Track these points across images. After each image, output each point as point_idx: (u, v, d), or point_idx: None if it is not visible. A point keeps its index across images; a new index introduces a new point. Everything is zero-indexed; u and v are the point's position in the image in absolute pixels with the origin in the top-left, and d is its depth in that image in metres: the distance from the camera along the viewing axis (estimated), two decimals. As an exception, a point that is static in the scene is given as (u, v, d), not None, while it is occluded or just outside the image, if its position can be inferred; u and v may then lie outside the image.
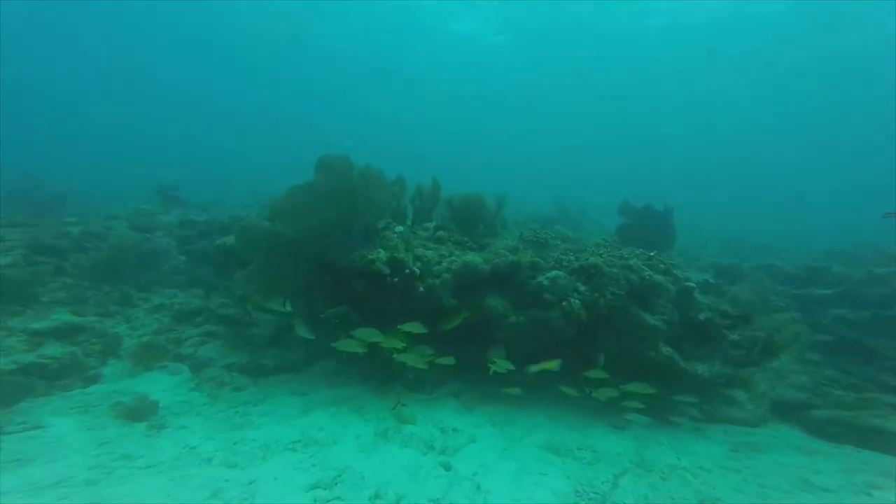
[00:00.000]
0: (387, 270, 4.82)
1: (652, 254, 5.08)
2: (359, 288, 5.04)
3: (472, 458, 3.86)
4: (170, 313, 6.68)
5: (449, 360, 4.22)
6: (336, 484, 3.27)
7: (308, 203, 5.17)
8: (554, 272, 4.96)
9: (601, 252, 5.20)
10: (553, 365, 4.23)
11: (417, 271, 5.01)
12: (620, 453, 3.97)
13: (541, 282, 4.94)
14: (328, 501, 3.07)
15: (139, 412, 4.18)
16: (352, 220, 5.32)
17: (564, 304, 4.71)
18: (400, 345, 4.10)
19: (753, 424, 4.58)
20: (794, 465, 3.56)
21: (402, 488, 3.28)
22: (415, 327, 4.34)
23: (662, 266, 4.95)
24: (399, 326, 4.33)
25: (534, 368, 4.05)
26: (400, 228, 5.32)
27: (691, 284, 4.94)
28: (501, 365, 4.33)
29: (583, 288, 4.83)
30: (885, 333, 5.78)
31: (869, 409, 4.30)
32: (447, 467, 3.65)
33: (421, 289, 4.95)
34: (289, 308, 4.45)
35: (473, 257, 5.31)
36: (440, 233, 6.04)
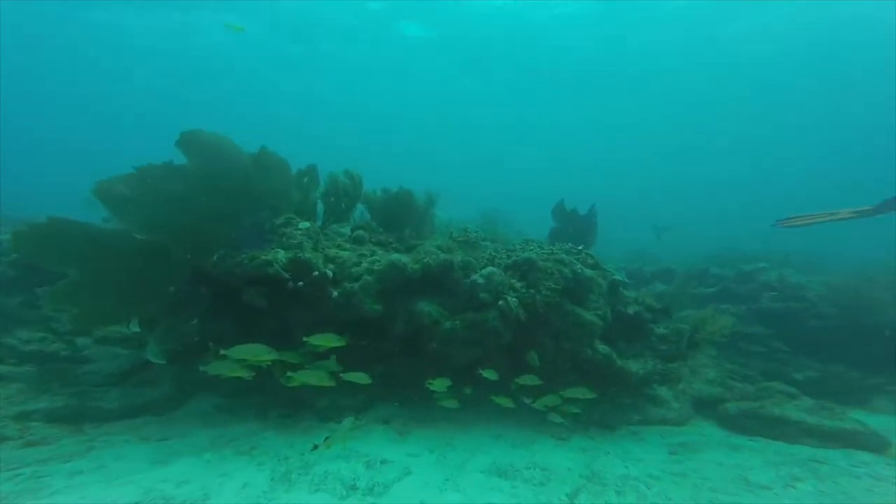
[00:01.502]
0: (286, 275, 3.87)
1: (580, 248, 5.06)
2: (250, 299, 3.96)
3: (407, 495, 3.06)
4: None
5: (362, 378, 3.42)
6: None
7: (171, 191, 3.98)
8: (488, 269, 4.57)
9: (532, 248, 5.01)
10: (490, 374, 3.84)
11: (330, 274, 4.16)
12: (570, 468, 3.60)
13: (475, 280, 4.50)
14: None
15: None
16: (239, 213, 4.26)
17: (501, 303, 4.31)
18: (296, 360, 3.21)
19: (680, 423, 4.66)
20: (730, 463, 3.59)
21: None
22: (327, 340, 3.48)
23: (591, 260, 4.93)
24: (306, 339, 3.43)
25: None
26: (306, 224, 4.43)
27: (619, 278, 5.00)
28: (439, 384, 3.74)
29: (518, 284, 4.52)
30: (759, 323, 6.61)
31: (768, 399, 4.64)
32: (373, 513, 2.80)
33: (335, 294, 4.09)
34: (135, 328, 3.21)
35: (400, 257, 4.66)
36: (359, 232, 5.27)
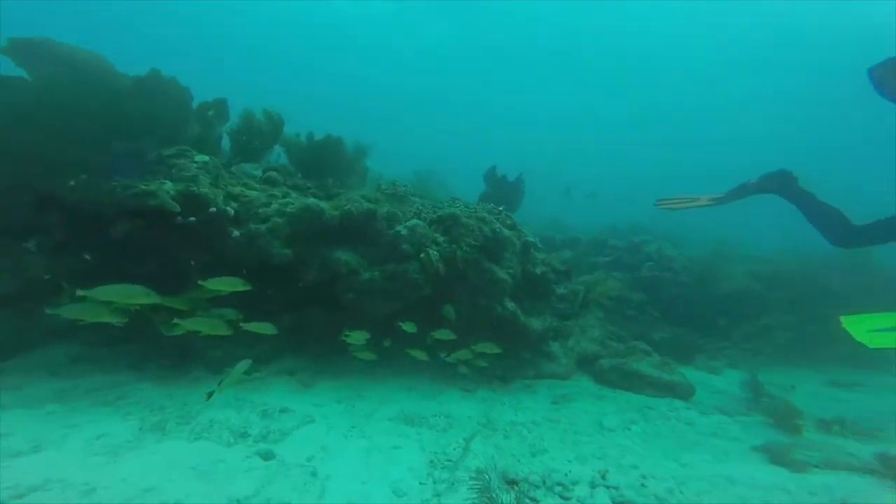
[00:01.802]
0: (175, 207, 3.29)
1: (500, 208, 5.15)
2: (122, 233, 3.30)
3: (307, 442, 2.93)
4: None
5: (266, 328, 3.11)
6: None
7: (10, 105, 3.09)
8: (413, 221, 4.42)
9: (458, 205, 4.97)
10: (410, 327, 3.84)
11: (231, 212, 3.65)
12: (471, 416, 3.84)
13: (399, 231, 4.33)
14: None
15: None
16: (107, 137, 3.49)
17: (423, 255, 4.22)
18: (182, 307, 2.79)
19: (566, 377, 5.20)
20: (593, 411, 4.22)
21: (181, 492, 2.09)
22: (227, 284, 3.06)
23: (509, 221, 5.06)
24: (202, 283, 2.98)
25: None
26: (203, 157, 3.79)
27: (532, 240, 5.22)
28: (357, 337, 3.62)
29: (441, 239, 4.46)
30: (639, 289, 7.44)
31: (631, 356, 5.36)
32: (268, 456, 2.60)
33: (236, 234, 3.61)
34: None
35: (318, 202, 4.27)
36: (271, 174, 4.70)
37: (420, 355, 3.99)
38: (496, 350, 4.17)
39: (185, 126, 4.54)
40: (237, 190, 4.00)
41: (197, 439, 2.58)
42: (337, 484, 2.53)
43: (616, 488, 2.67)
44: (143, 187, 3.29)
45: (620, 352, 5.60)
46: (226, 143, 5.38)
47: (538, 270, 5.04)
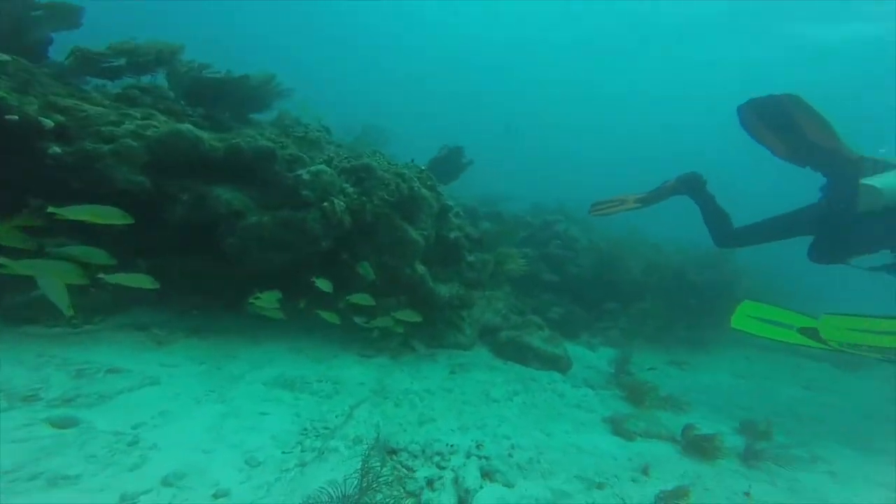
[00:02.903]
0: None
1: (422, 168, 4.82)
2: None
3: (138, 407, 2.37)
4: None
5: (143, 282, 2.46)
6: None
7: None
8: (318, 166, 3.87)
9: (377, 158, 4.51)
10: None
11: (50, 123, 2.75)
12: (363, 383, 3.58)
13: (300, 175, 3.75)
14: None
15: None
16: None
17: (326, 204, 3.72)
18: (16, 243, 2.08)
19: (467, 347, 5.20)
20: (483, 380, 4.27)
21: None
22: (100, 214, 2.33)
23: (430, 182, 4.76)
24: (54, 210, 2.19)
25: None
26: (3, 56, 2.79)
27: (450, 203, 5.00)
28: (268, 299, 3.20)
29: (351, 189, 3.99)
30: (545, 266, 7.77)
31: (526, 330, 5.54)
32: (64, 424, 2.01)
33: (56, 150, 2.75)
34: None
35: (195, 129, 3.48)
36: (133, 91, 3.74)
37: (332, 318, 3.61)
38: (417, 318, 3.95)
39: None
40: (67, 102, 3.04)
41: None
42: (165, 454, 2.05)
43: (487, 458, 2.69)
44: None
45: (517, 324, 5.74)
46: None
47: (452, 235, 4.85)
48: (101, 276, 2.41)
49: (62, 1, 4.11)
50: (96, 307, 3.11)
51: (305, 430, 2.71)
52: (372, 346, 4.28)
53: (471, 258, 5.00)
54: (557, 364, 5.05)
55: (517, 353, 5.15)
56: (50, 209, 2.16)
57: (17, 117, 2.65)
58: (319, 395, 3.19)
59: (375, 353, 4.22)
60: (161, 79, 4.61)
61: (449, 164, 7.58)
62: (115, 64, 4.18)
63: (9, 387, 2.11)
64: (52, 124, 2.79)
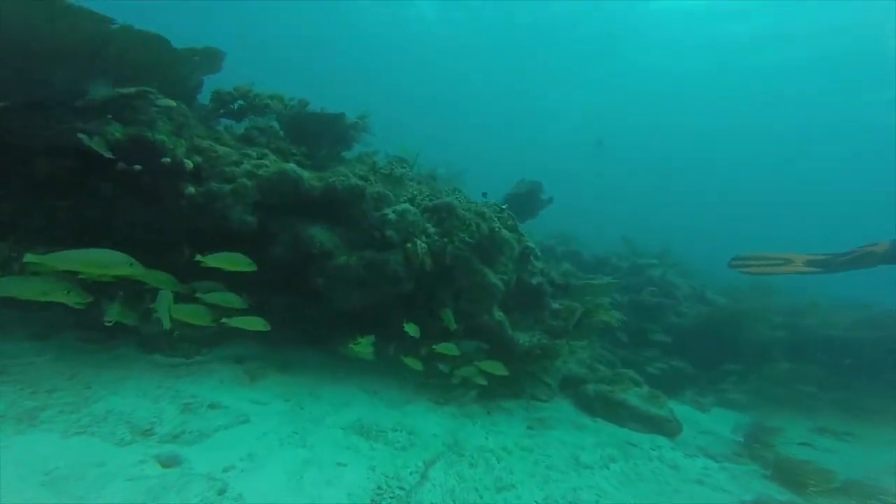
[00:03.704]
0: (106, 151, 2.76)
1: (503, 206, 4.62)
2: (44, 172, 2.80)
3: (230, 446, 2.43)
4: None
5: (257, 324, 2.75)
6: None
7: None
8: (403, 205, 3.90)
9: (457, 196, 4.45)
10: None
11: (190, 165, 3.13)
12: (437, 434, 3.36)
13: (386, 214, 3.81)
14: None
15: None
16: (52, 69, 2.99)
17: (409, 245, 3.70)
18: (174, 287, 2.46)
19: (546, 399, 4.72)
20: (570, 441, 3.77)
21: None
22: (231, 261, 2.76)
23: (511, 222, 4.54)
24: (200, 258, 2.58)
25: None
26: (168, 101, 3.28)
27: (532, 245, 4.69)
28: (365, 346, 3.36)
29: (432, 230, 3.94)
30: (637, 314, 6.90)
31: (618, 384, 4.91)
32: (170, 462, 2.10)
33: (191, 191, 3.10)
34: None
35: (298, 168, 3.76)
36: (253, 132, 4.19)
37: (416, 365, 3.60)
38: (503, 372, 3.72)
39: (153, 66, 3.99)
40: (205, 143, 3.48)
41: (78, 434, 2.06)
42: (249, 508, 2.02)
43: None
44: (81, 125, 2.77)
45: (607, 377, 5.11)
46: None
47: (534, 281, 4.52)
48: (224, 320, 2.65)
49: (212, 47, 4.82)
50: (206, 338, 3.41)
51: (380, 488, 2.55)
52: (447, 393, 4.08)
53: (555, 305, 4.60)
54: (662, 427, 4.32)
55: (608, 410, 4.54)
56: (197, 258, 2.43)
57: (169, 160, 3.06)
58: (394, 445, 3.04)
59: (447, 400, 4.00)
60: (272, 118, 5.15)
61: (527, 200, 7.29)
62: (239, 104, 4.76)
63: (134, 418, 2.30)
64: (192, 166, 3.19)
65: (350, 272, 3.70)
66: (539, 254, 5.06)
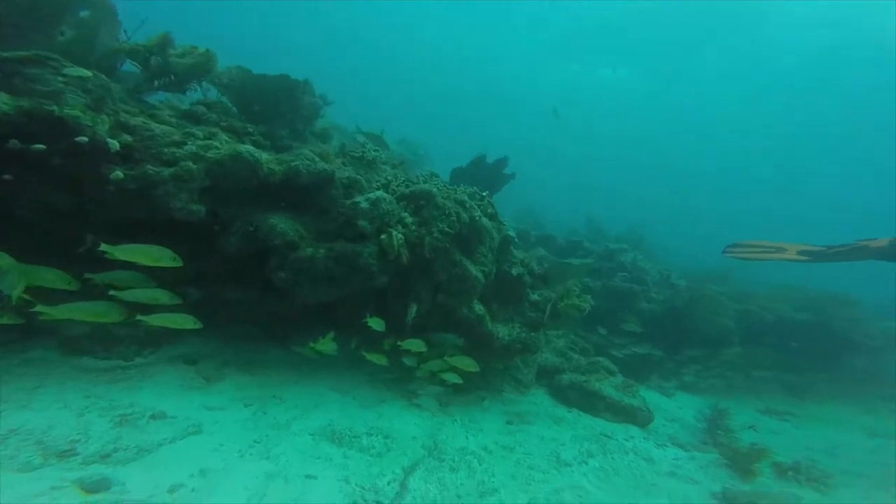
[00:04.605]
0: None
1: (484, 193, 4.43)
2: None
3: (178, 463, 2.12)
4: None
5: (186, 323, 2.36)
6: None
7: None
8: (378, 192, 3.61)
9: (435, 182, 4.20)
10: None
11: (115, 145, 2.67)
12: (415, 436, 3.20)
13: (358, 202, 3.50)
14: None
15: None
16: None
17: (384, 237, 3.43)
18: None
19: (523, 392, 4.69)
20: (548, 437, 3.76)
21: None
22: (149, 255, 2.47)
23: (491, 210, 4.37)
24: (107, 248, 2.15)
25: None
26: (81, 71, 2.76)
27: (511, 234, 4.57)
28: (326, 346, 3.17)
29: (410, 220, 3.69)
30: (607, 299, 6.98)
31: (594, 375, 4.96)
32: (97, 487, 1.77)
33: (119, 175, 2.66)
34: None
35: (255, 150, 3.35)
36: (199, 108, 3.70)
37: (380, 361, 3.41)
38: (474, 368, 3.57)
39: (48, 23, 3.35)
40: (136, 121, 2.99)
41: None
42: (201, 540, 1.75)
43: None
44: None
45: (582, 367, 5.15)
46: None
47: (514, 271, 4.40)
48: (140, 317, 2.28)
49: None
50: (150, 338, 2.99)
51: (355, 503, 2.35)
52: (420, 389, 3.90)
53: (534, 297, 4.51)
54: (635, 417, 4.42)
55: (584, 400, 4.59)
56: (102, 247, 2.03)
57: (87, 139, 2.59)
58: (370, 452, 2.83)
59: (423, 398, 3.83)
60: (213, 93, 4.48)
61: (485, 174, 6.95)
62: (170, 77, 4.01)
63: (48, 437, 1.93)
64: (118, 146, 2.72)
65: (317, 265, 3.38)
66: (518, 242, 4.95)
